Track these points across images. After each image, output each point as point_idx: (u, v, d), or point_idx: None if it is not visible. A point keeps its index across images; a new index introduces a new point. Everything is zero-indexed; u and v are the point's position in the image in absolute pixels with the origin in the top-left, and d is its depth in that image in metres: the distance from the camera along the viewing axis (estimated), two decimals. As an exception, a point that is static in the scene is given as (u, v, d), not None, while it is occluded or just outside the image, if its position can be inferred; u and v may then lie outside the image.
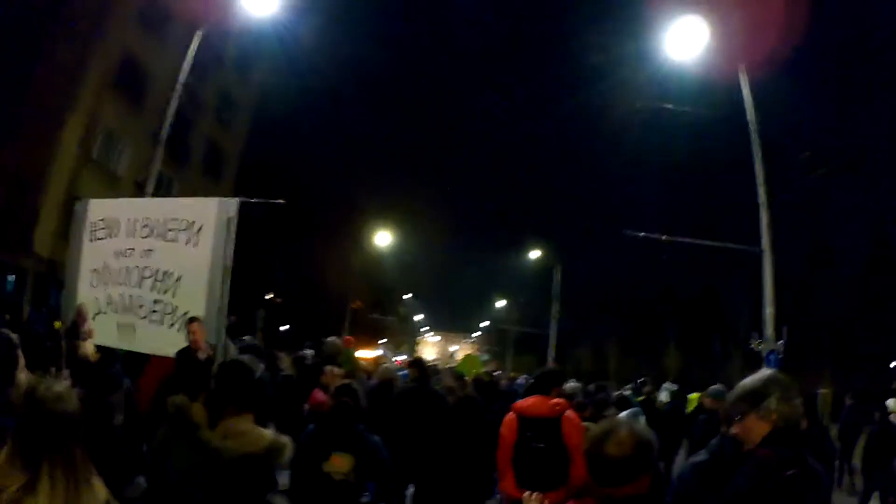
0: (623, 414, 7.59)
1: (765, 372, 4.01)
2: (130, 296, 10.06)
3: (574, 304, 61.99)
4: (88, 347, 9.00)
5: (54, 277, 30.26)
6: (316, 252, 52.98)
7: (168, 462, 4.41)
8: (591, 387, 11.83)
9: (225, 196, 39.51)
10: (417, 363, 10.92)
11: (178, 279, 9.80)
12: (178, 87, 22.84)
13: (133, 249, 10.21)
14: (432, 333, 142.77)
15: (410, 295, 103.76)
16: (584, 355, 66.92)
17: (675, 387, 25.53)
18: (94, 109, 32.01)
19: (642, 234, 22.94)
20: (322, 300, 56.14)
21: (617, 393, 14.96)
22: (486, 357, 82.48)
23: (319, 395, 8.97)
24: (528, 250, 53.64)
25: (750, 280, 31.68)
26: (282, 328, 53.63)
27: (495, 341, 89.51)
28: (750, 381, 3.92)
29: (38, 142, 29.47)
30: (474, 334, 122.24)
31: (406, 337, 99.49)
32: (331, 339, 13.04)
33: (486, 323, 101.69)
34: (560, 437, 7.13)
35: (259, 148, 45.85)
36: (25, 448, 3.11)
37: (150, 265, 10.00)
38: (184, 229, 9.89)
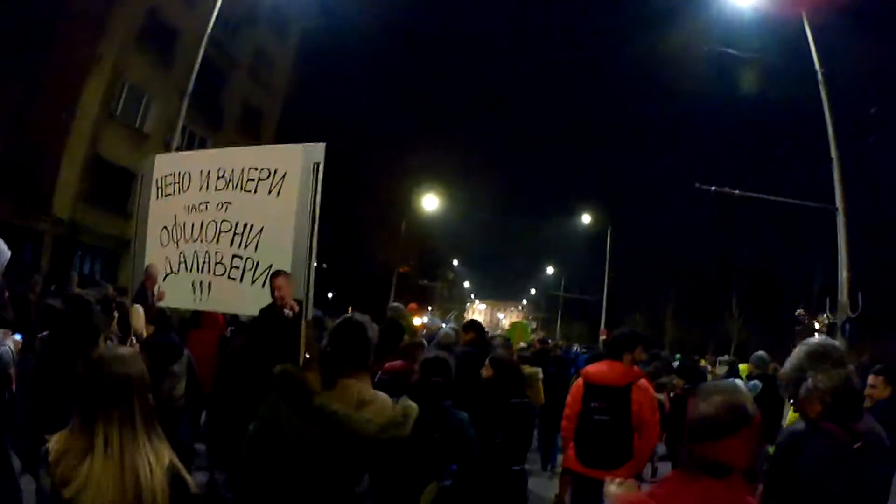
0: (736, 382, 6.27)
1: (802, 348, 3.98)
2: (206, 252, 9.48)
3: (627, 269, 60.79)
4: (138, 322, 8.52)
5: (75, 241, 29.12)
6: (362, 216, 51.85)
7: (280, 438, 4.15)
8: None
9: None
10: (474, 325, 10.43)
11: (261, 232, 9.19)
12: (205, 38, 22.65)
13: (208, 203, 9.64)
14: (480, 301, 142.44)
15: (457, 262, 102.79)
16: (637, 323, 64.33)
17: (729, 357, 24.02)
18: (118, 65, 31.49)
19: (713, 188, 21.22)
20: (368, 265, 55.00)
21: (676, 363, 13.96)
22: (532, 325, 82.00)
23: (395, 362, 8.17)
24: (578, 214, 52.77)
25: (823, 242, 29.95)
26: (329, 295, 52.56)
27: (544, 309, 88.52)
28: (788, 364, 3.99)
29: (58, 98, 28.85)
30: (522, 302, 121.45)
31: (454, 304, 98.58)
32: (395, 304, 12.61)
33: (534, 291, 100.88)
34: (628, 408, 6.84)
35: (299, 108, 44.59)
36: (83, 411, 3.19)
37: (228, 218, 9.43)
38: (265, 178, 9.33)
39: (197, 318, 10.83)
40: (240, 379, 7.16)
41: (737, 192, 22.31)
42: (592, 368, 7.24)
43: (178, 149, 23.93)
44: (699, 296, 63.47)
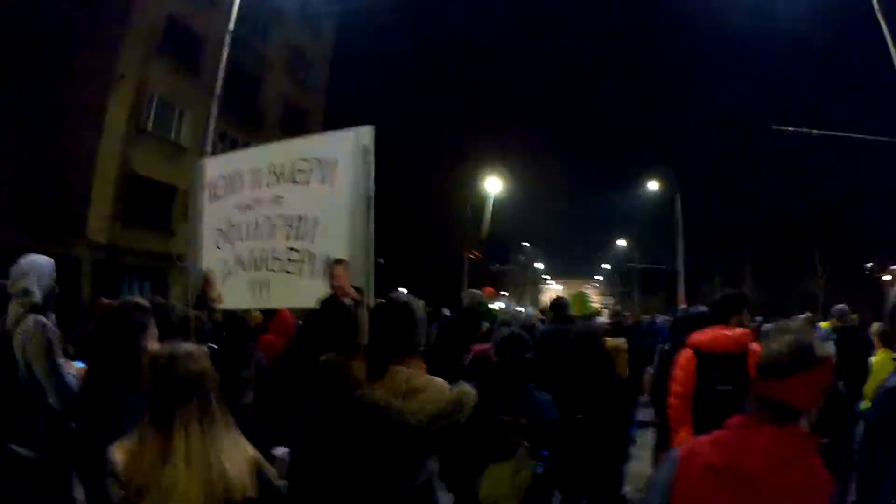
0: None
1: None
2: (263, 249, 9.55)
3: (700, 234, 59.09)
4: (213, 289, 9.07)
5: (117, 264, 28.59)
6: (426, 206, 51.26)
7: (330, 431, 3.98)
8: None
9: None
10: (554, 304, 10.72)
11: (315, 223, 9.18)
12: (227, 38, 22.40)
13: (260, 200, 9.72)
14: (554, 281, 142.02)
15: (527, 244, 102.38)
16: (716, 289, 62.20)
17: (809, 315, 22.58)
18: (143, 79, 31.43)
19: (791, 128, 19.87)
20: (437, 256, 54.37)
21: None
22: (612, 301, 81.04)
23: (484, 345, 7.99)
24: (645, 182, 50.71)
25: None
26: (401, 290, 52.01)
27: (619, 283, 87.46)
28: (893, 295, 3.81)
29: (84, 122, 28.78)
30: (597, 277, 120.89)
31: (527, 286, 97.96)
32: (471, 290, 12.55)
33: (607, 266, 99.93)
34: (747, 375, 5.63)
35: (344, 101, 43.75)
36: (158, 411, 3.17)
37: (282, 213, 9.46)
38: (315, 168, 9.36)
39: (267, 323, 10.56)
40: (293, 371, 7.07)
41: (815, 131, 21.31)
42: (702, 336, 6.59)
43: (214, 153, 23.70)
44: (778, 255, 61.51)
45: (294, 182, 9.46)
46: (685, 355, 6.55)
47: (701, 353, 6.42)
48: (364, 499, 3.88)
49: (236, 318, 8.67)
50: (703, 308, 9.00)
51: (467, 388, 4.06)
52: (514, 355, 5.52)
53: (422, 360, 4.25)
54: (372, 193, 8.69)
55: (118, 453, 3.13)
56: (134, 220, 31.14)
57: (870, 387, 8.73)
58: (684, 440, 5.94)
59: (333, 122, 42.35)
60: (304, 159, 9.42)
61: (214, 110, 22.03)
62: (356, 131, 9.17)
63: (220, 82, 22.11)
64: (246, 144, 35.29)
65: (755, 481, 2.78)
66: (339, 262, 8.27)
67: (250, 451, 3.33)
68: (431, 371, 4.27)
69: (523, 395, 5.43)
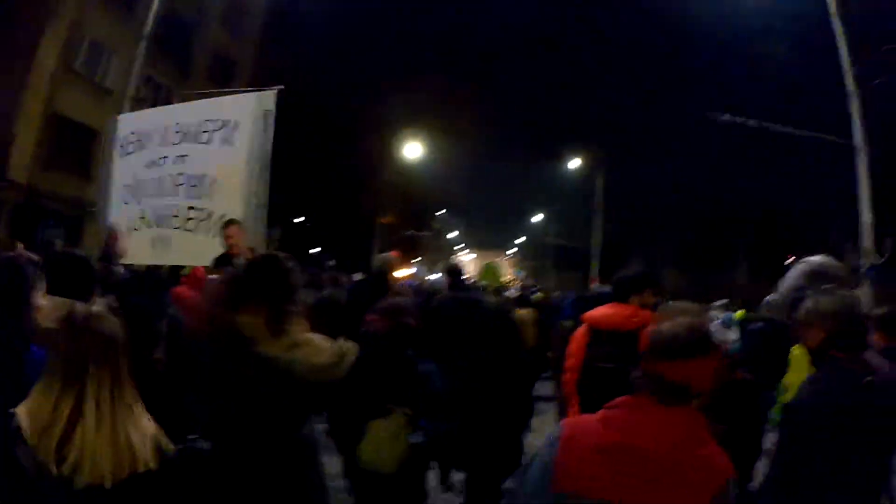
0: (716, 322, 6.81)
1: (800, 266, 3.84)
2: (165, 206, 9.86)
3: (622, 215, 59.47)
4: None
5: (37, 207, 28.02)
6: (343, 167, 50.94)
7: (223, 383, 4.22)
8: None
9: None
10: (450, 269, 10.53)
11: (214, 182, 9.53)
12: None
13: (166, 158, 10.01)
14: (468, 250, 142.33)
15: (444, 211, 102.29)
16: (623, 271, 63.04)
17: (725, 301, 22.91)
18: (78, 17, 30.36)
19: (727, 115, 19.80)
20: (351, 217, 54.24)
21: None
22: (522, 273, 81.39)
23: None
24: (569, 157, 51.04)
25: (844, 183, 28.65)
26: (312, 251, 52.00)
27: (532, 257, 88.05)
28: (784, 283, 3.90)
29: (11, 55, 27.71)
30: (511, 251, 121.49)
31: (441, 254, 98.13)
32: (382, 255, 12.30)
33: (523, 239, 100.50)
34: (636, 355, 4.81)
35: (274, 56, 43.08)
36: (70, 372, 3.01)
37: (185, 171, 9.75)
38: (218, 129, 9.62)
39: (176, 277, 10.29)
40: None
41: (751, 121, 20.86)
42: (596, 312, 6.45)
43: (142, 100, 23.92)
44: (702, 242, 62.08)
45: (198, 142, 9.70)
46: (580, 330, 6.51)
47: (593, 328, 6.35)
48: (253, 444, 4.13)
49: (149, 272, 8.86)
50: (608, 288, 9.20)
51: (348, 345, 4.36)
52: (395, 322, 5.55)
53: (304, 315, 4.42)
54: (268, 158, 9.10)
55: (26, 415, 2.98)
56: (55, 162, 30.37)
57: (789, 379, 9.15)
58: (573, 416, 5.82)
59: (261, 75, 42.10)
60: (210, 120, 9.67)
61: (141, 52, 21.52)
62: (260, 95, 9.69)
63: (149, 23, 21.50)
64: (169, 90, 35.01)
65: (646, 461, 2.78)
66: (232, 222, 8.44)
67: (151, 422, 3.25)
68: (342, 333, 4.55)
69: (404, 363, 5.45)
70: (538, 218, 79.67)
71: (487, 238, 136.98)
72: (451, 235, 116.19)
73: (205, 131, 9.69)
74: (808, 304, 3.48)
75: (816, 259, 3.81)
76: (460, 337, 7.13)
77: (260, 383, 4.09)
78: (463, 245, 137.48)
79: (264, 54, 45.15)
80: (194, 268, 9.57)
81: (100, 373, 3.02)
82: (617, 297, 6.55)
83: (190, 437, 4.43)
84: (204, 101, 11.71)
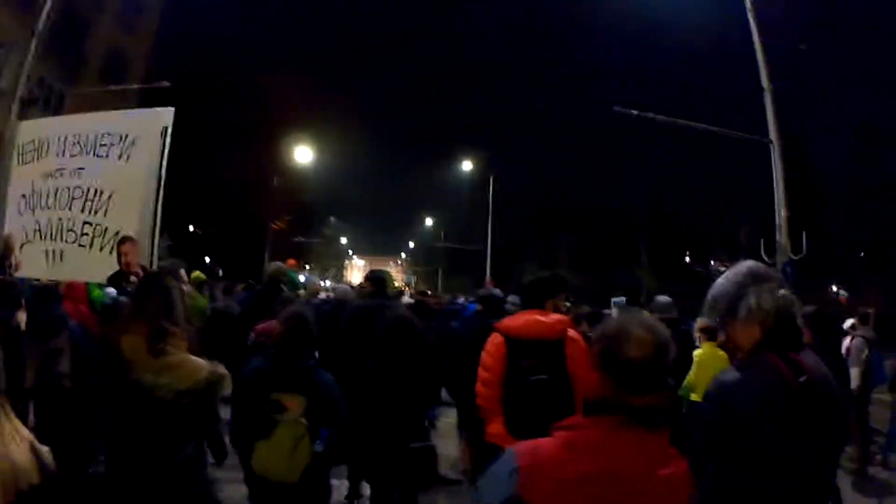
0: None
1: (740, 267, 3.53)
2: (59, 219, 9.73)
3: (514, 216, 59.89)
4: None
5: None
6: (233, 173, 50.28)
7: (107, 407, 4.37)
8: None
9: (129, 107, 36.60)
10: (373, 276, 10.36)
11: (110, 197, 9.47)
12: None
13: (63, 169, 9.91)
14: (358, 256, 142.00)
15: (333, 218, 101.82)
16: (527, 272, 63.09)
17: (623, 300, 22.95)
18: None
19: (635, 112, 19.79)
20: (242, 224, 53.60)
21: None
22: (413, 279, 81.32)
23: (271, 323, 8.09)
24: (459, 160, 51.14)
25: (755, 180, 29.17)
26: (206, 259, 51.44)
27: (423, 262, 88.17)
28: (722, 279, 3.56)
29: None
30: (402, 256, 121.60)
31: (332, 261, 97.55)
32: (275, 262, 13.24)
33: (413, 244, 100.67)
34: (564, 363, 5.87)
35: (167, 55, 42.39)
36: None
37: (81, 184, 9.70)
38: (116, 143, 9.65)
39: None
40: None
41: (659, 117, 20.67)
42: (515, 321, 6.15)
43: (32, 101, 24.22)
44: (599, 241, 62.46)
45: (96, 155, 9.70)
46: (494, 340, 6.12)
47: (511, 339, 6.01)
48: (132, 468, 4.23)
49: (45, 286, 8.47)
50: (497, 291, 9.25)
51: (219, 370, 4.47)
52: (295, 331, 5.58)
53: (184, 334, 4.50)
54: (164, 176, 9.21)
55: None
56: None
57: (698, 379, 9.46)
58: (498, 432, 5.88)
59: (152, 75, 41.41)
60: (108, 133, 9.67)
61: (32, 50, 21.15)
62: (158, 111, 9.72)
63: (43, 18, 21.14)
64: (61, 95, 34.45)
65: (628, 487, 2.66)
66: (126, 239, 8.60)
67: (26, 432, 3.06)
68: (236, 342, 4.83)
69: (303, 373, 5.46)
70: (429, 222, 79.84)
71: (377, 244, 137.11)
72: (341, 241, 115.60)
73: (102, 144, 9.70)
74: (751, 302, 3.35)
75: (752, 262, 3.63)
76: (366, 346, 7.05)
77: (130, 405, 4.21)
78: (352, 251, 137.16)
79: (157, 54, 44.46)
80: (73, 281, 9.42)
81: None
82: (531, 303, 6.38)
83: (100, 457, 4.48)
84: (103, 113, 11.75)
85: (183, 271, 7.73)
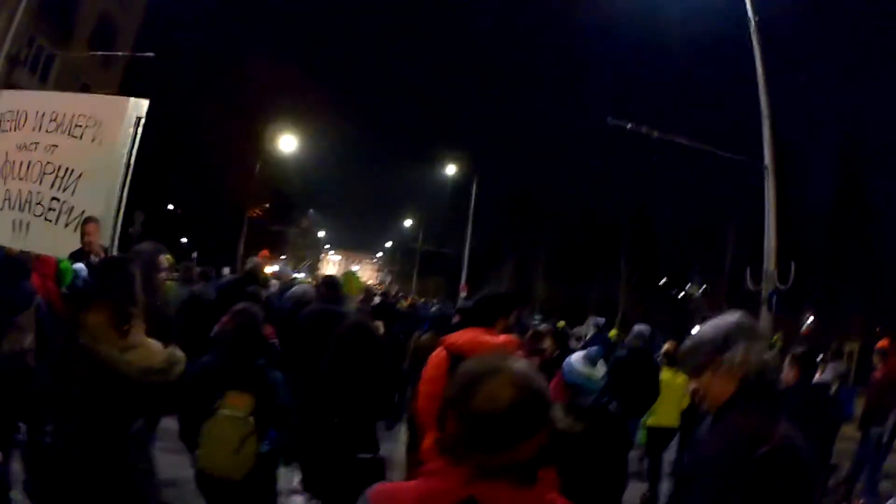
0: (579, 355, 5.85)
1: (728, 318, 3.37)
2: (30, 192, 9.96)
3: (494, 222, 59.66)
4: None
5: None
6: (216, 155, 49.99)
7: (67, 380, 4.42)
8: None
9: (113, 80, 36.00)
10: (327, 280, 10.50)
11: (79, 177, 9.73)
12: None
13: (38, 143, 10.11)
14: (334, 251, 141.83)
15: (312, 210, 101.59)
16: (504, 279, 62.55)
17: (602, 321, 22.72)
18: None
19: (629, 124, 19.45)
20: (220, 206, 53.25)
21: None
22: (387, 279, 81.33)
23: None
24: (443, 163, 50.74)
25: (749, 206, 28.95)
26: (183, 240, 51.19)
27: (399, 262, 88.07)
28: (710, 327, 3.40)
29: None
30: (378, 254, 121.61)
31: (307, 252, 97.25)
32: (252, 258, 13.02)
33: (391, 243, 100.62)
34: None
35: (157, 30, 42.03)
36: None
37: (53, 161, 9.93)
38: (91, 126, 9.89)
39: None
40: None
41: (656, 132, 20.05)
42: (459, 338, 5.92)
43: (21, 62, 25.01)
44: (578, 253, 61.81)
45: (70, 135, 9.92)
46: (438, 355, 5.97)
47: (454, 355, 5.73)
48: (85, 439, 4.33)
49: (14, 257, 8.50)
50: (449, 308, 8.98)
51: (177, 353, 4.67)
52: (244, 329, 5.58)
53: (143, 317, 4.64)
54: (132, 163, 9.58)
55: None
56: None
57: (661, 405, 9.94)
58: (429, 448, 5.42)
59: (140, 46, 41.08)
60: (84, 115, 9.90)
61: (20, 10, 20.87)
62: (135, 102, 9.98)
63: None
64: (50, 56, 34.33)
65: None
66: (90, 219, 8.89)
67: None
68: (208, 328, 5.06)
69: (252, 371, 5.46)
70: (408, 223, 79.68)
71: (355, 240, 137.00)
72: (319, 235, 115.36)
73: (78, 125, 9.90)
74: (737, 357, 3.20)
75: (741, 313, 3.46)
76: (321, 350, 6.79)
77: (92, 380, 4.32)
78: (329, 245, 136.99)
79: (147, 27, 44.20)
80: (44, 256, 9.43)
81: None
82: (482, 319, 6.12)
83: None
84: (83, 95, 12.41)
85: (162, 257, 7.39)
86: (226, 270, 18.27)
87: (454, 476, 2.32)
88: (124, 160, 9.62)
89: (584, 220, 65.26)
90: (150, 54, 25.59)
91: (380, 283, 68.16)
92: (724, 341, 3.22)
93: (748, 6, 18.12)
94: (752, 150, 18.97)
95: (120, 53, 31.45)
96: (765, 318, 16.80)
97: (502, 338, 5.87)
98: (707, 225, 51.77)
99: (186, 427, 5.46)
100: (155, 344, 4.58)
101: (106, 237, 9.09)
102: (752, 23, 18.14)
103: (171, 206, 52.63)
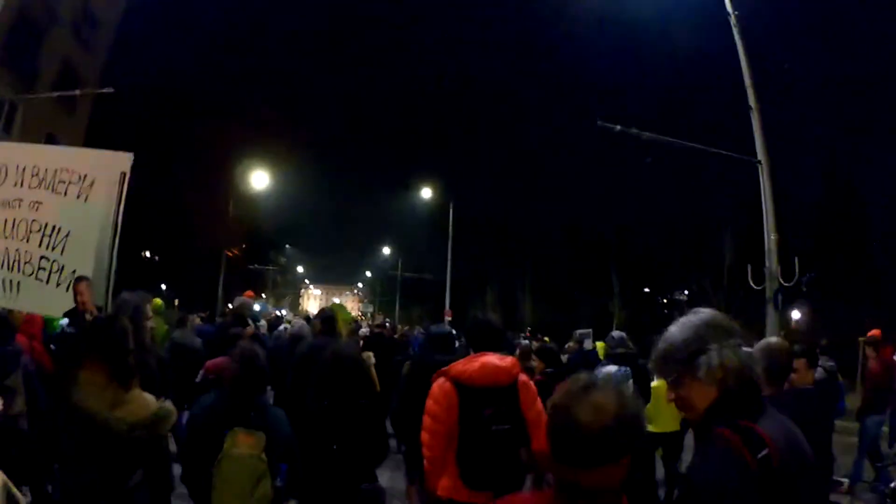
0: (607, 370, 6.46)
1: (695, 317, 3.10)
2: (17, 250, 9.88)
3: (474, 245, 59.38)
4: None
5: None
6: (188, 197, 49.95)
7: (66, 440, 4.53)
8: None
9: (78, 127, 35.76)
10: (322, 315, 10.58)
11: (67, 235, 9.70)
12: None
13: (21, 200, 10.05)
14: (314, 286, 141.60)
15: (288, 246, 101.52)
16: (488, 304, 62.27)
17: (589, 331, 22.63)
18: None
19: (618, 127, 19.37)
20: (196, 250, 53.16)
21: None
22: (370, 309, 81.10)
23: (219, 359, 8.58)
24: (417, 189, 50.63)
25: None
26: (162, 286, 51.13)
27: (379, 292, 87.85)
28: (677, 329, 3.09)
29: None
30: (359, 284, 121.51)
31: (287, 289, 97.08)
32: (239, 297, 13.65)
33: (370, 273, 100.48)
34: (519, 410, 5.76)
35: (122, 73, 42.07)
36: None
37: (39, 219, 9.89)
38: (75, 182, 9.89)
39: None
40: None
41: (645, 133, 19.68)
42: (467, 366, 5.75)
43: None
44: (565, 270, 61.24)
45: (54, 191, 9.91)
46: (442, 387, 5.80)
47: (463, 385, 5.70)
48: (88, 494, 4.45)
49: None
50: (445, 327, 8.95)
51: (167, 406, 4.82)
52: (249, 368, 5.53)
53: (135, 373, 4.78)
54: (120, 220, 9.50)
55: None
56: None
57: (654, 411, 9.99)
58: (452, 485, 5.67)
59: (104, 96, 40.94)
60: (67, 170, 9.90)
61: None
62: (117, 155, 9.99)
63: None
64: (13, 106, 34.18)
65: None
66: (82, 279, 8.88)
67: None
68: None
69: (259, 409, 5.44)
70: (386, 252, 79.54)
71: (334, 273, 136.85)
72: (297, 270, 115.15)
73: (61, 181, 9.89)
74: (713, 360, 2.95)
75: (711, 311, 3.21)
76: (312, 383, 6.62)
77: (83, 436, 4.45)
78: (308, 280, 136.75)
79: (112, 70, 44.11)
80: (29, 315, 9.63)
81: None
82: (494, 345, 6.11)
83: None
84: (63, 148, 13.19)
85: (148, 306, 7.55)
86: (195, 318, 18.34)
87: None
88: (112, 218, 9.54)
89: (566, 235, 65.00)
90: (110, 90, 25.75)
91: (362, 315, 67.98)
92: (695, 344, 3.01)
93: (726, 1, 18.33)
94: (743, 148, 18.94)
95: (78, 92, 31.16)
96: (771, 318, 16.87)
97: (509, 360, 5.88)
98: (700, 227, 51.44)
99: (191, 470, 5.39)
100: (146, 398, 4.71)
101: (99, 296, 9.02)
102: (733, 17, 18.29)
103: (147, 253, 52.44)
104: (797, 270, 17.05)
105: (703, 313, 3.13)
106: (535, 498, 2.63)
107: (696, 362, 2.93)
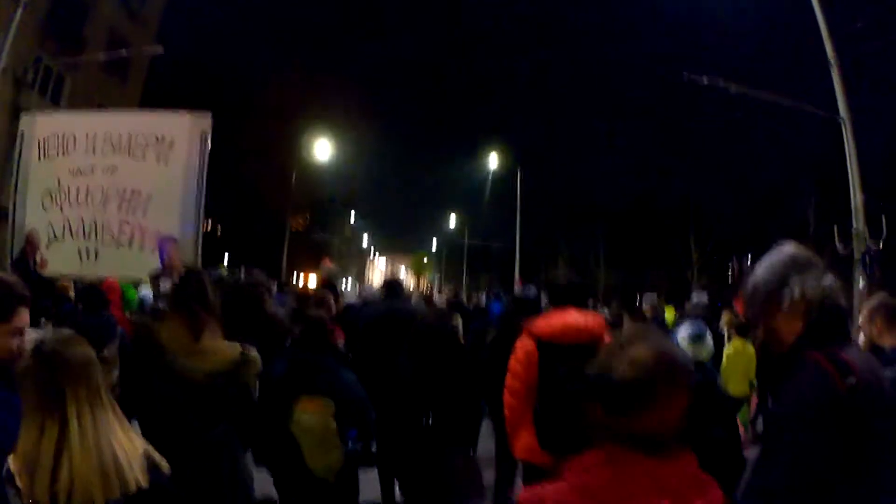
0: (684, 333, 6.12)
1: (779, 254, 3.14)
2: (94, 218, 9.95)
3: (544, 212, 58.51)
4: None
5: None
6: (251, 169, 49.87)
7: (143, 391, 4.56)
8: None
9: (132, 98, 35.09)
10: (388, 283, 10.03)
11: (149, 198, 9.82)
12: None
13: (94, 167, 10.09)
14: (380, 255, 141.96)
15: (354, 215, 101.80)
16: (561, 269, 61.13)
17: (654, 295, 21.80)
18: None
19: (705, 78, 18.68)
20: (259, 221, 53.21)
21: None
22: (436, 277, 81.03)
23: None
24: (485, 155, 49.80)
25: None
26: (226, 256, 51.59)
27: (446, 261, 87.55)
28: (760, 269, 3.14)
29: None
30: (424, 255, 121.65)
31: (352, 259, 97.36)
32: (324, 265, 12.87)
33: (437, 242, 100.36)
34: None
35: (174, 43, 41.53)
36: (45, 405, 2.96)
37: (115, 184, 9.97)
38: (151, 144, 9.94)
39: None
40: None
41: (733, 86, 19.06)
42: (548, 323, 5.63)
43: (28, 83, 25.49)
44: (639, 236, 59.58)
45: (130, 155, 9.91)
46: (525, 346, 5.73)
47: (544, 343, 5.58)
48: (170, 446, 4.11)
49: (92, 288, 8.69)
50: (533, 290, 8.54)
51: (251, 353, 4.70)
52: (312, 332, 5.64)
53: (219, 321, 4.77)
54: (205, 179, 9.63)
55: (12, 458, 2.92)
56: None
57: (728, 373, 10.24)
58: (528, 446, 5.48)
59: (156, 66, 40.60)
60: (142, 134, 9.91)
61: (17, 18, 19.47)
62: (195, 115, 10.01)
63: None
64: (60, 77, 33.94)
65: None
66: (169, 239, 8.86)
67: (139, 440, 3.21)
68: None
69: (324, 373, 5.49)
70: (453, 220, 79.08)
71: (400, 243, 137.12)
72: (363, 239, 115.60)
73: (138, 145, 9.93)
74: (795, 291, 2.96)
75: (791, 248, 3.16)
76: (394, 349, 6.63)
77: (165, 388, 4.44)
78: (375, 250, 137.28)
79: (162, 42, 43.82)
80: (108, 282, 9.60)
81: (78, 399, 2.99)
82: (575, 300, 6.00)
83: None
84: (134, 112, 12.57)
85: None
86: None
87: (609, 467, 2.36)
88: (196, 179, 9.65)
89: (642, 199, 63.32)
90: (160, 50, 25.27)
91: (430, 283, 67.68)
92: (777, 279, 3.03)
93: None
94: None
95: (124, 52, 30.56)
96: (860, 281, 16.12)
97: (591, 319, 5.66)
98: (783, 189, 49.70)
99: (257, 436, 5.35)
100: (227, 346, 4.66)
101: (188, 255, 9.10)
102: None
103: (209, 223, 52.50)
104: (885, 229, 16.35)
105: (784, 249, 3.17)
106: (593, 455, 2.44)
107: (779, 295, 2.98)
